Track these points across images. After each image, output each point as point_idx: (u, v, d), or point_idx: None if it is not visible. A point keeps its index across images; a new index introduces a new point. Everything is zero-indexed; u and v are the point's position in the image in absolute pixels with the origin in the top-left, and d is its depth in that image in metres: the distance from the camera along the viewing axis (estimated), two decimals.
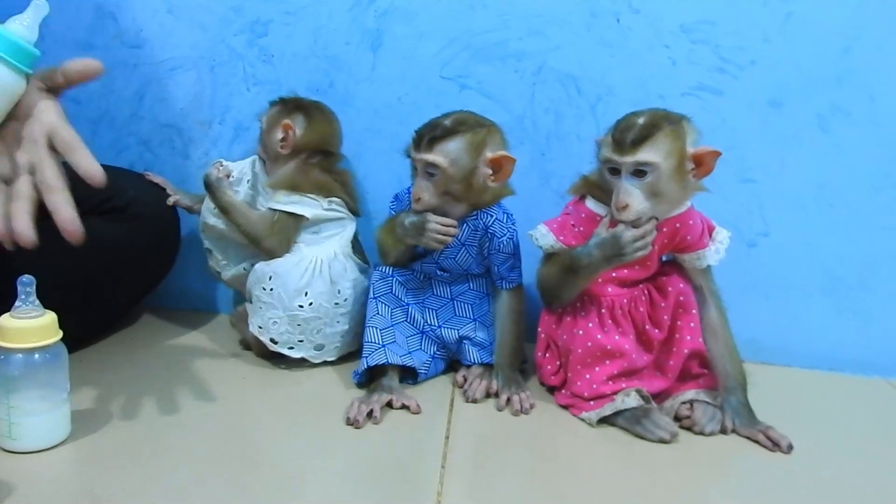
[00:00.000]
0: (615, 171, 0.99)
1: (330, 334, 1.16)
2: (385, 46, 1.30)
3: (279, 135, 1.18)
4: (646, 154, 0.96)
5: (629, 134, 0.96)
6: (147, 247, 1.20)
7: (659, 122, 0.97)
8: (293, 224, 1.16)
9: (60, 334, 0.87)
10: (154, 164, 1.36)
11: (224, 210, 1.15)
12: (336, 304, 1.15)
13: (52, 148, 0.80)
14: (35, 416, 0.85)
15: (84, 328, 1.16)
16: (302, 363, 1.16)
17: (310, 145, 1.20)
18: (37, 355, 0.84)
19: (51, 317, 0.86)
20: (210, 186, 1.15)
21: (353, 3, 1.28)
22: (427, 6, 1.27)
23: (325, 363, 1.16)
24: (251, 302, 1.15)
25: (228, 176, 1.18)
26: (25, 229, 0.77)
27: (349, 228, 1.21)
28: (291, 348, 1.14)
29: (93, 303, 1.15)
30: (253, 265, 1.18)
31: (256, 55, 1.32)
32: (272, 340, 1.13)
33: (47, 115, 0.81)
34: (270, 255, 1.15)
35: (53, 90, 0.84)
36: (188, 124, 1.35)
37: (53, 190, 0.78)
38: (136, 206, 1.19)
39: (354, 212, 1.23)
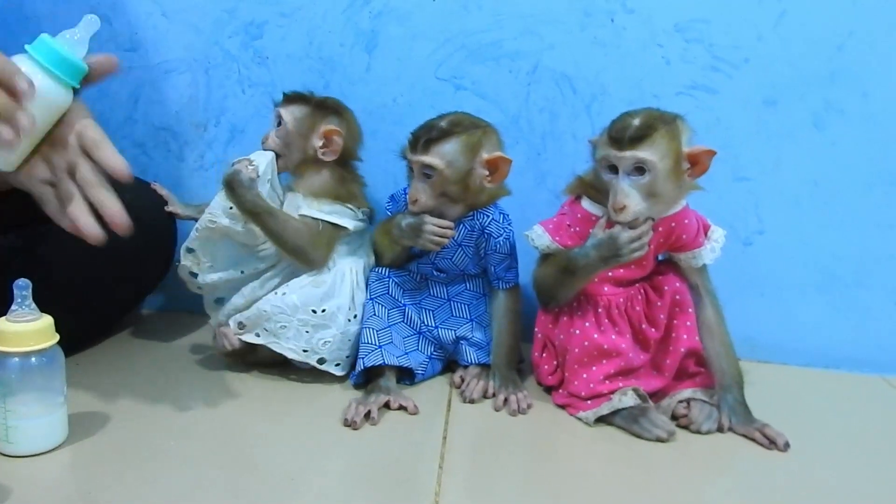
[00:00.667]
0: (612, 169, 0.99)
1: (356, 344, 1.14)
2: (380, 47, 1.30)
3: (318, 142, 1.14)
4: (644, 152, 0.96)
5: (627, 131, 0.96)
6: (143, 249, 1.20)
7: (655, 122, 0.97)
8: (337, 235, 1.14)
9: (57, 338, 0.86)
10: (149, 167, 1.36)
11: (256, 214, 1.08)
12: (349, 320, 1.14)
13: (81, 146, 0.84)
14: (32, 419, 0.85)
15: (81, 331, 1.15)
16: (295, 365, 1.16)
17: (347, 152, 1.17)
18: (33, 359, 0.84)
19: (47, 320, 0.86)
20: (239, 187, 1.06)
21: (347, 4, 1.28)
22: (421, 7, 1.28)
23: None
24: (268, 328, 1.08)
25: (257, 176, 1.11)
26: (92, 227, 0.82)
27: (368, 238, 1.21)
28: (338, 365, 1.11)
29: (89, 306, 1.15)
30: (259, 272, 1.15)
31: (251, 57, 1.32)
32: (320, 360, 1.10)
33: (75, 115, 0.85)
34: (313, 266, 1.12)
35: (74, 90, 0.86)
36: (183, 127, 1.35)
37: (93, 185, 0.83)
38: (132, 209, 1.18)
39: (372, 220, 1.22)
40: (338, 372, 1.11)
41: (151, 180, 1.28)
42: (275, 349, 1.09)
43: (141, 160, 1.37)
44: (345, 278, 1.14)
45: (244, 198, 1.07)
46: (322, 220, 1.13)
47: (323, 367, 1.10)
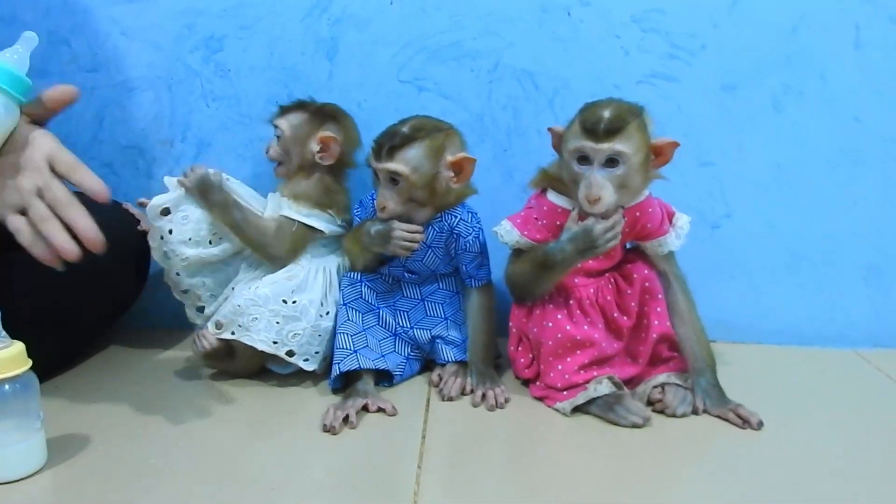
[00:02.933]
0: (584, 161, 0.99)
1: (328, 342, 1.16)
2: (341, 54, 1.30)
3: (315, 147, 1.17)
4: (620, 144, 0.97)
5: (601, 123, 0.96)
6: (116, 269, 1.20)
7: (626, 114, 0.98)
8: (309, 236, 1.17)
9: (30, 363, 0.86)
10: (119, 186, 1.36)
11: (225, 207, 1.13)
12: (321, 316, 1.15)
13: (54, 171, 0.86)
14: (9, 446, 0.85)
15: (58, 354, 1.16)
16: (274, 374, 1.17)
17: (344, 157, 1.20)
18: (7, 386, 0.84)
19: (19, 347, 0.86)
20: (210, 188, 1.12)
21: (305, 13, 1.29)
22: (379, 11, 1.28)
23: (301, 372, 1.15)
24: (242, 322, 1.09)
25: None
26: (68, 244, 0.84)
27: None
28: (307, 360, 1.12)
29: (65, 328, 1.15)
30: (230, 256, 1.18)
31: (213, 71, 1.32)
32: (289, 353, 1.11)
33: (44, 141, 0.88)
34: (274, 262, 1.15)
35: (37, 121, 0.90)
36: (150, 144, 1.35)
37: (68, 205, 0.85)
38: (103, 229, 1.19)
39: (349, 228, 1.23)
40: (307, 367, 1.12)
41: (121, 200, 1.28)
42: (246, 342, 1.09)
43: (110, 180, 1.33)
44: (318, 275, 1.15)
45: (214, 195, 1.13)
46: (298, 222, 1.15)
47: (292, 360, 1.11)
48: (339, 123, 1.20)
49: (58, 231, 0.85)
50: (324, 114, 1.19)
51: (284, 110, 1.20)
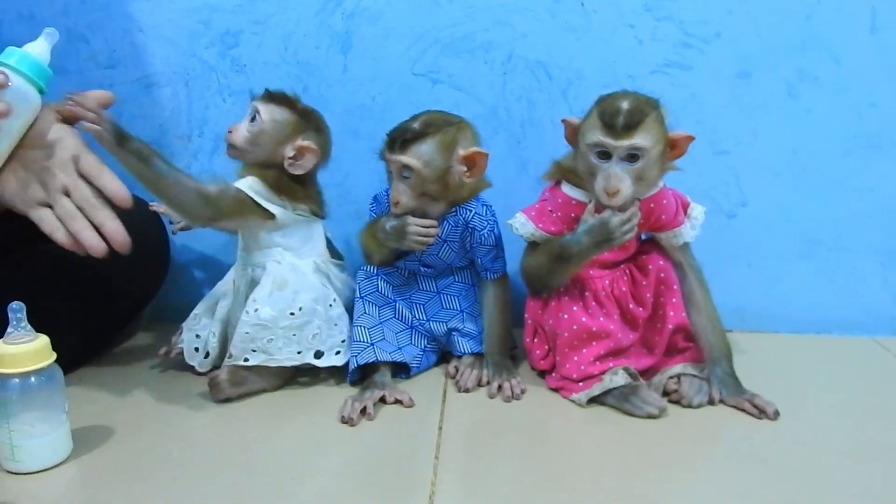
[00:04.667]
0: (603, 154, 0.99)
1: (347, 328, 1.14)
2: (355, 48, 1.31)
3: (289, 152, 1.09)
4: (640, 139, 0.96)
5: (620, 118, 0.96)
6: (137, 264, 1.21)
7: (644, 108, 0.98)
8: (256, 218, 1.08)
9: (54, 356, 0.88)
10: (138, 182, 1.37)
11: (148, 158, 1.00)
12: (330, 305, 1.13)
13: (78, 170, 0.92)
14: (36, 437, 0.87)
15: (82, 346, 1.17)
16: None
17: (313, 168, 1.12)
18: (33, 378, 0.86)
19: (44, 340, 0.88)
20: (126, 135, 0.98)
21: (319, 7, 1.29)
22: (392, 5, 1.29)
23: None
24: (256, 347, 1.06)
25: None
26: (96, 242, 0.91)
27: (318, 230, 1.16)
28: (338, 353, 1.10)
29: (88, 321, 1.17)
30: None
31: (229, 66, 1.33)
32: (316, 355, 1.09)
33: (71, 140, 0.94)
34: (196, 221, 1.08)
35: (67, 120, 0.96)
36: (168, 140, 1.37)
37: (96, 207, 0.92)
38: (124, 224, 1.21)
39: (318, 215, 1.16)
40: (339, 362, 1.10)
41: (141, 195, 1.29)
42: (271, 366, 1.07)
43: (129, 176, 1.38)
44: (304, 270, 1.11)
45: (131, 143, 0.99)
46: (247, 195, 1.06)
47: (320, 362, 1.09)
48: (321, 135, 1.12)
49: (86, 228, 0.91)
50: (309, 120, 1.12)
51: (271, 97, 1.11)
